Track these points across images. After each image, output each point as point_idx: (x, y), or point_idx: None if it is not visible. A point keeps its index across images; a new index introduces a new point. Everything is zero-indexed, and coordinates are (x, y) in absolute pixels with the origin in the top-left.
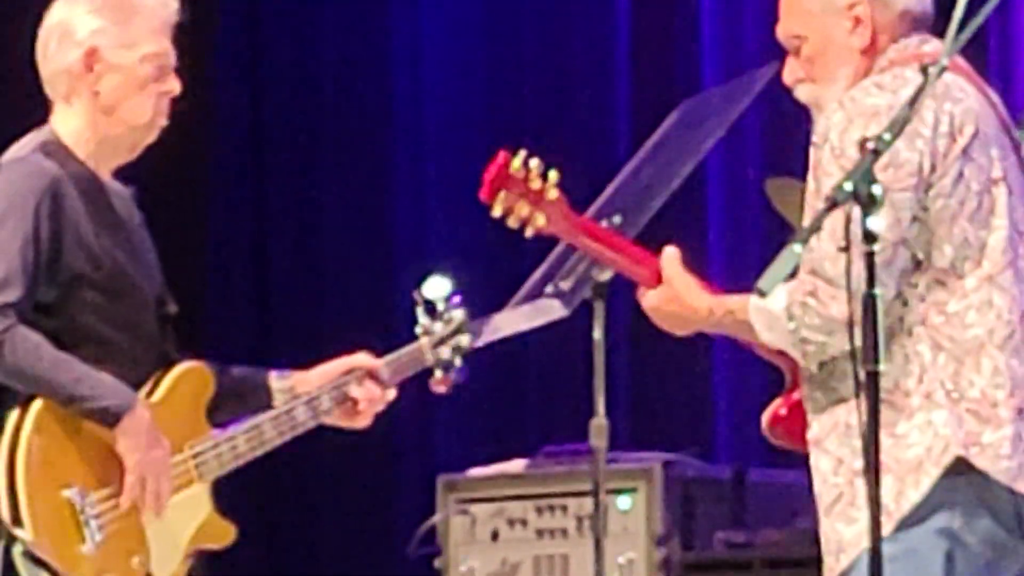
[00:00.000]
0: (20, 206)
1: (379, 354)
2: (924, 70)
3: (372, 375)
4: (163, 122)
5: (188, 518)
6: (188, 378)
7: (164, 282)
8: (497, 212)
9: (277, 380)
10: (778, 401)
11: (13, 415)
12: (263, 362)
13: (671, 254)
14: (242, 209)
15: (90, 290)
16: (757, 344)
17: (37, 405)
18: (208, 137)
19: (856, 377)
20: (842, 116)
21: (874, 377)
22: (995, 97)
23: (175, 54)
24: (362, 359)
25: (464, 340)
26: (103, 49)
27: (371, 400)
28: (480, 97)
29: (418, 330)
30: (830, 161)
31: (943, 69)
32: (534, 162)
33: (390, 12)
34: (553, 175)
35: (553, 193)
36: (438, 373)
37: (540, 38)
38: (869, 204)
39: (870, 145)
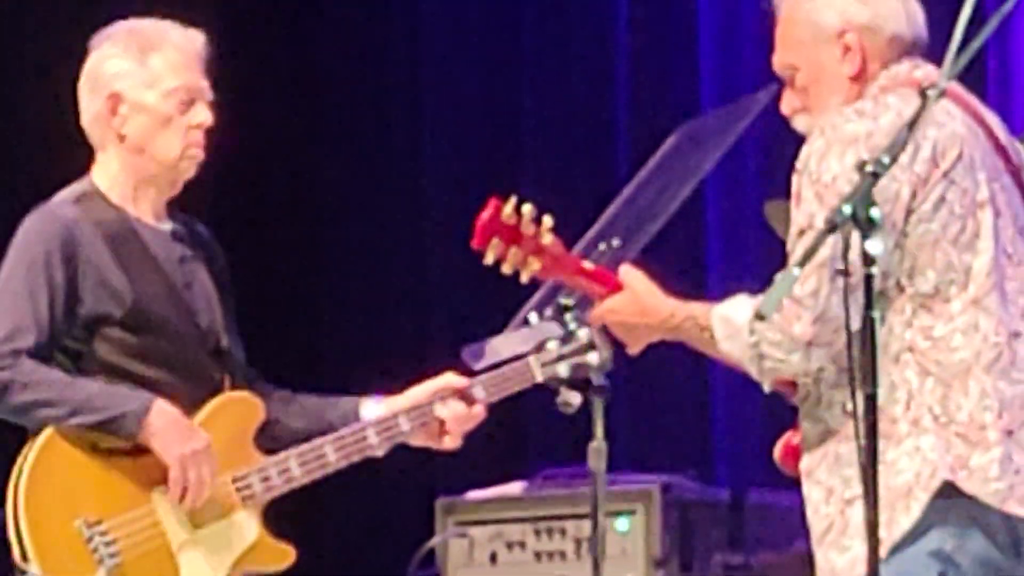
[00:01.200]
0: (32, 255)
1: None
2: (923, 93)
3: (460, 394)
4: (197, 154)
5: (230, 543)
6: (230, 407)
7: (218, 316)
8: (490, 259)
9: (368, 409)
10: (790, 432)
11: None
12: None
13: (634, 270)
14: (239, 243)
15: (117, 329)
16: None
17: (41, 439)
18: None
19: (854, 402)
20: (822, 143)
21: (872, 400)
22: (991, 118)
23: (206, 87)
24: (450, 379)
25: (594, 358)
26: (126, 91)
27: (458, 420)
28: (479, 123)
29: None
30: (807, 187)
31: (942, 93)
32: (526, 208)
33: (389, 36)
34: (547, 220)
35: (547, 238)
36: (563, 392)
37: (539, 62)
38: (868, 227)
39: (869, 168)
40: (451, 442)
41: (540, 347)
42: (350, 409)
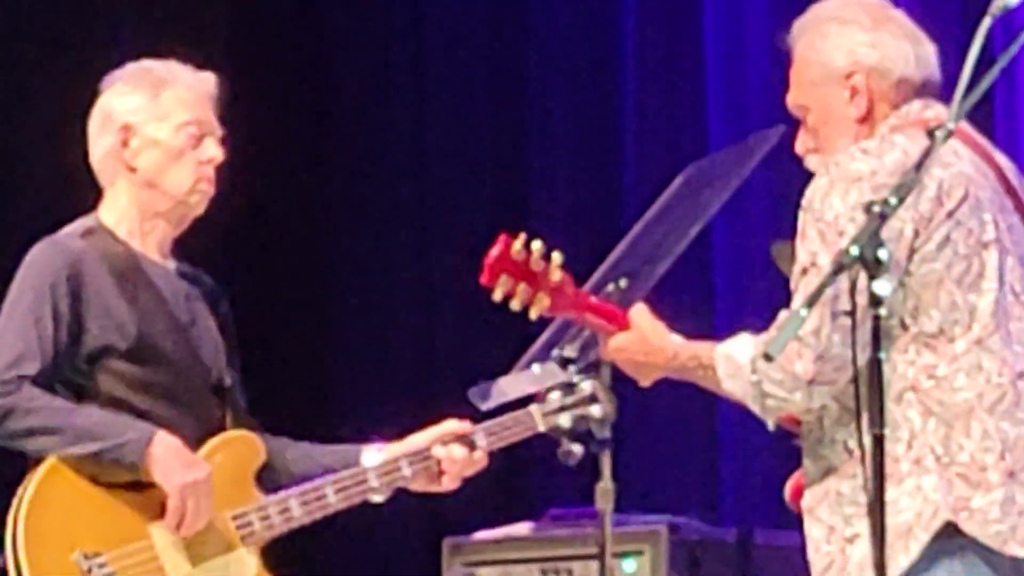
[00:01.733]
0: (36, 284)
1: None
2: (931, 134)
3: (461, 439)
4: (208, 189)
5: None
6: (232, 446)
7: (222, 354)
8: (498, 296)
9: (369, 457)
10: (800, 471)
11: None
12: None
13: (641, 308)
14: (244, 283)
15: (119, 361)
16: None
17: (41, 470)
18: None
19: (860, 441)
20: (826, 181)
21: (879, 441)
22: (1000, 158)
23: (217, 124)
24: (452, 425)
25: (596, 411)
26: (138, 124)
27: (455, 462)
28: (486, 163)
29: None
30: (810, 225)
31: (949, 133)
32: (536, 244)
33: (393, 75)
34: (556, 256)
35: (557, 275)
36: (564, 442)
37: (545, 102)
38: (875, 268)
39: (876, 209)
40: (448, 483)
41: (543, 396)
42: (351, 456)
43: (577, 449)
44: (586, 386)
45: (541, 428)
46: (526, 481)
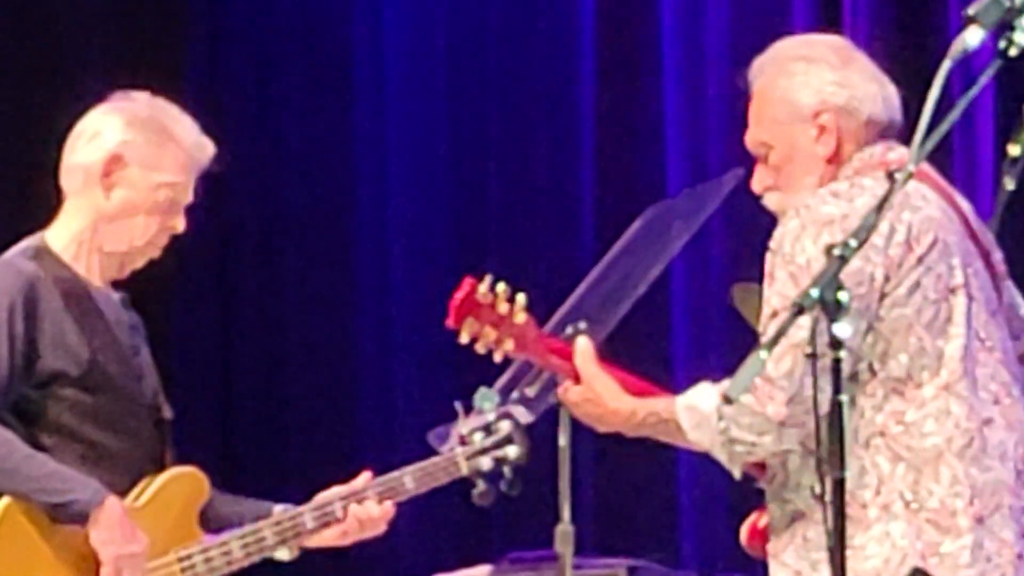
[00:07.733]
0: None
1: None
2: (891, 176)
3: (389, 484)
4: (156, 253)
5: None
6: (178, 483)
7: (160, 387)
8: (465, 339)
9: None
10: (756, 514)
11: None
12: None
13: (583, 348)
14: (208, 334)
15: (70, 388)
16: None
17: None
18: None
19: (822, 485)
20: (797, 224)
21: (841, 484)
22: (963, 203)
23: (191, 194)
24: (364, 479)
25: (512, 451)
26: (128, 161)
27: (371, 516)
28: (444, 207)
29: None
30: (780, 267)
31: (910, 176)
32: (500, 286)
33: (352, 115)
34: (521, 298)
35: (521, 316)
36: (480, 484)
37: (505, 145)
38: (835, 311)
39: (836, 252)
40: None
41: (467, 439)
42: (264, 510)
43: (491, 491)
44: (504, 426)
45: (464, 472)
46: (485, 524)
